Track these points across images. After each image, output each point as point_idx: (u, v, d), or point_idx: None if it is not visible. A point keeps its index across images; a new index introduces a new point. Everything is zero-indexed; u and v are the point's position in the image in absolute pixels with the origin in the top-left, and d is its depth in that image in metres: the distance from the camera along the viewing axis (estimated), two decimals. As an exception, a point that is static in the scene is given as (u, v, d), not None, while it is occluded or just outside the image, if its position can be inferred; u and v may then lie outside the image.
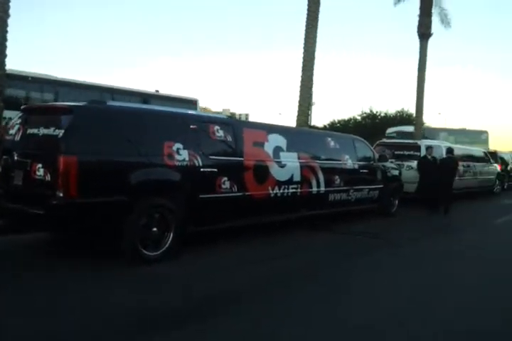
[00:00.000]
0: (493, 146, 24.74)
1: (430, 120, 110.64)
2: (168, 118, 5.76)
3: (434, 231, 8.34)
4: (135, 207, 5.06)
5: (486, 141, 25.34)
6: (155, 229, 5.28)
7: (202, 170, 5.81)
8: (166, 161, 5.47)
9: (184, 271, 4.94)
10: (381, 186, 9.54)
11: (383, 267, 5.44)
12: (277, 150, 7.08)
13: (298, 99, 13.76)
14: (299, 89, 13.74)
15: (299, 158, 7.46)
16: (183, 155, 5.62)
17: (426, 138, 16.56)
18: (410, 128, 19.66)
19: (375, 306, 3.98)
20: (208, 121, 6.25)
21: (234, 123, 6.63)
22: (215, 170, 5.95)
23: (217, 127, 6.22)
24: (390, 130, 22.44)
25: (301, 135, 8.20)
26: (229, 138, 6.34)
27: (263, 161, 6.79)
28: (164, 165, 5.45)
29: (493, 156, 17.59)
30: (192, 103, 17.00)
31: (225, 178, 6.08)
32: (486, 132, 27.26)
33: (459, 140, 22.73)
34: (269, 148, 6.95)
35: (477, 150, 16.55)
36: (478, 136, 25.84)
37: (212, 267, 5.10)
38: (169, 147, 5.52)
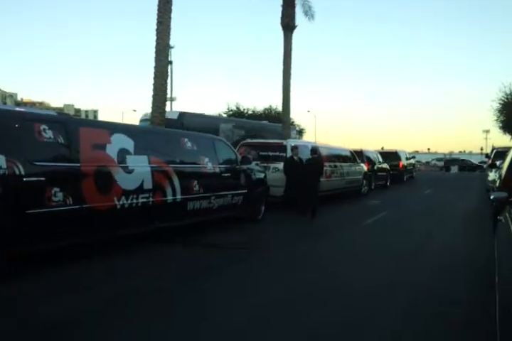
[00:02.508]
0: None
1: (300, 117, 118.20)
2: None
3: (301, 236, 8.86)
4: None
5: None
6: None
7: (25, 179, 5.37)
8: (-26, 170, 4.93)
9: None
10: (245, 191, 9.86)
11: (244, 281, 5.59)
12: (123, 153, 6.90)
13: (152, 93, 13.62)
14: (152, 81, 13.60)
15: (149, 162, 7.36)
16: (-3, 161, 5.13)
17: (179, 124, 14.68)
18: (173, 115, 17.18)
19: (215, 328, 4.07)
20: (32, 118, 5.80)
21: (67, 122, 6.26)
22: (43, 179, 5.57)
23: (44, 126, 5.79)
24: (145, 116, 18.30)
25: (153, 135, 8.10)
26: (61, 140, 5.96)
27: (105, 167, 6.56)
28: (-28, 175, 4.91)
29: (360, 155, 19.38)
30: None
31: (57, 189, 5.71)
32: (294, 128, 26.83)
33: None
34: (112, 150, 6.73)
35: (343, 150, 18.07)
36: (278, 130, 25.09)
37: (30, 295, 4.81)
38: (-21, 152, 4.99)
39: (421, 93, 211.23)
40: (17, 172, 5.30)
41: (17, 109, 6.13)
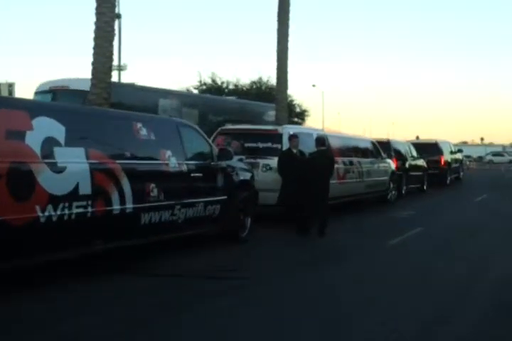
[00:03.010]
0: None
1: (302, 94, 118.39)
2: None
3: (301, 262, 8.89)
4: None
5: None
6: None
7: None
8: None
9: None
10: (225, 197, 9.89)
11: (222, 328, 5.58)
12: (50, 143, 6.91)
13: (92, 59, 13.58)
14: (92, 44, 13.56)
15: (88, 157, 7.36)
16: None
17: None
18: (82, 84, 15.21)
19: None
20: None
21: (-31, 100, 6.26)
22: None
23: None
24: (43, 86, 17.87)
25: (92, 118, 8.07)
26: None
27: (24, 163, 6.56)
28: None
29: (386, 148, 19.50)
30: None
31: (-45, 194, 5.72)
32: (272, 107, 24.54)
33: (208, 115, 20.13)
34: (34, 140, 6.72)
35: (362, 140, 18.16)
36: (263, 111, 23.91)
37: None
38: None
39: (473, 68, 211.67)
40: None
41: None
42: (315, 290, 7.21)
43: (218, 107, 21.02)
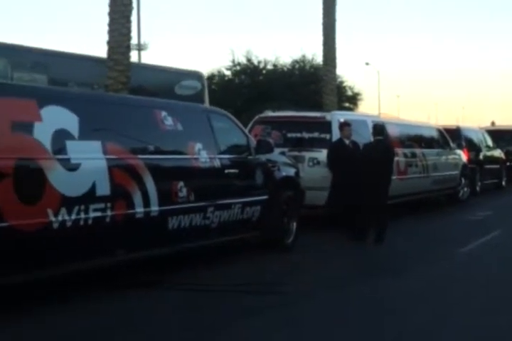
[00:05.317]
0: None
1: (354, 74, 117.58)
2: None
3: (357, 274, 8.89)
4: None
5: (199, 92, 20.71)
6: None
7: None
8: None
9: None
10: (265, 197, 9.90)
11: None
12: (61, 137, 6.97)
13: (108, 38, 13.74)
14: (108, 19, 13.70)
15: (105, 152, 7.42)
16: None
17: None
18: None
19: None
20: None
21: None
22: None
23: None
24: None
25: (109, 107, 8.16)
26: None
27: (32, 160, 6.65)
28: None
29: (455, 137, 19.29)
30: None
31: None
32: (190, 75, 21.21)
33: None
34: (43, 133, 6.79)
35: (427, 128, 17.96)
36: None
37: None
38: None
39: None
40: None
41: None
42: (367, 309, 7.11)
43: (83, 71, 15.58)
